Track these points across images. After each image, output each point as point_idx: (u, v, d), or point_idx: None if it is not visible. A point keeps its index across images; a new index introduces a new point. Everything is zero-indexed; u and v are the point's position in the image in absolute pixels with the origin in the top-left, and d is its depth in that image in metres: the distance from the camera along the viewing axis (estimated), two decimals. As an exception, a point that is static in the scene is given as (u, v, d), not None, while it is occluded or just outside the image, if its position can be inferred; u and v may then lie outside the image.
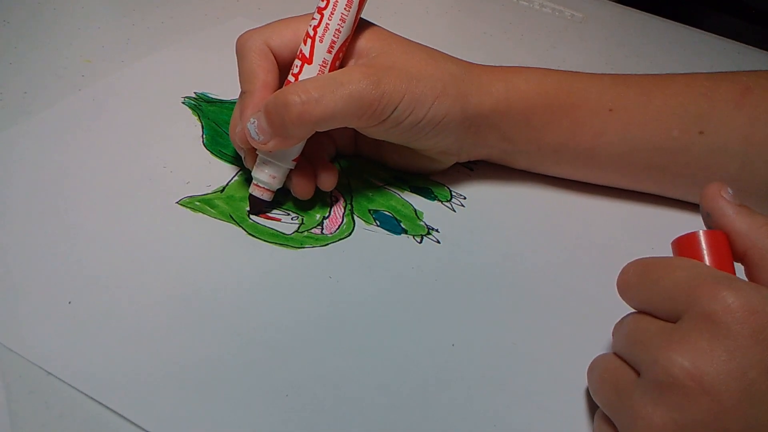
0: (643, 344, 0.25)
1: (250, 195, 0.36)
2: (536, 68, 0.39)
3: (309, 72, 0.34)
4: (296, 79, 0.35)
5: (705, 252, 0.27)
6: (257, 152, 0.36)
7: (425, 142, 0.37)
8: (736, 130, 0.38)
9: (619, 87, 0.39)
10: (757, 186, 0.38)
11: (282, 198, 0.38)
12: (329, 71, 0.35)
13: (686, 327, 0.24)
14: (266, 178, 0.36)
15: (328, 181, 0.37)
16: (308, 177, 0.37)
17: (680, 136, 0.38)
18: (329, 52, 0.34)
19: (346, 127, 0.37)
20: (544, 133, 0.39)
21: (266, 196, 0.36)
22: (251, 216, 0.37)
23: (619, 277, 0.28)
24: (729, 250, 0.27)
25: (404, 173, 0.41)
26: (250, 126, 0.34)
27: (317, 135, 0.36)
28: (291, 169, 0.36)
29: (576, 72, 0.40)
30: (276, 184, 0.36)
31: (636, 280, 0.27)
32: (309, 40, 0.34)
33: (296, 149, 0.36)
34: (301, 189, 0.37)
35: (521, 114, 0.38)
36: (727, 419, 0.22)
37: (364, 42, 0.36)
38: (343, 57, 0.35)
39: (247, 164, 0.37)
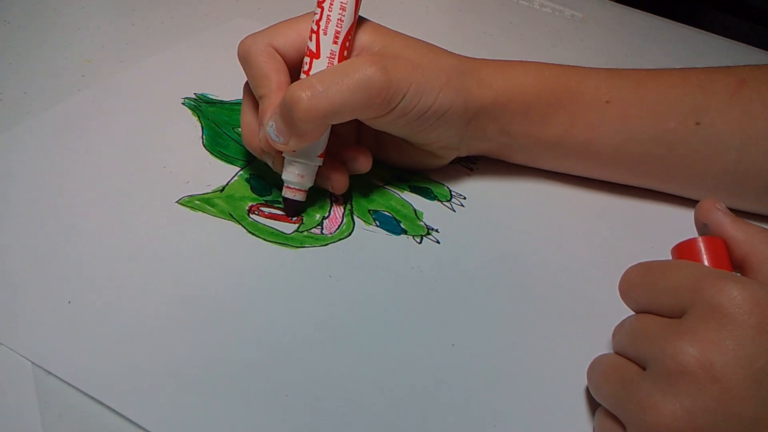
0: (649, 338, 0.25)
1: (284, 198, 0.36)
2: (534, 62, 0.40)
3: (318, 66, 0.35)
4: (307, 76, 0.35)
5: (705, 257, 0.27)
6: (283, 154, 0.36)
7: (429, 134, 0.37)
8: (733, 121, 0.38)
9: (616, 79, 0.39)
10: (755, 177, 0.39)
11: (281, 196, 0.38)
12: (338, 62, 0.35)
13: (693, 319, 0.24)
14: (296, 178, 0.36)
15: (365, 162, 0.38)
16: (340, 170, 0.37)
17: (677, 127, 0.38)
18: (335, 42, 0.34)
19: (349, 125, 0.37)
20: (543, 126, 0.39)
21: (299, 197, 0.36)
22: (251, 215, 0.37)
23: (621, 279, 0.29)
24: (727, 255, 0.27)
25: (404, 172, 0.41)
26: (270, 130, 0.34)
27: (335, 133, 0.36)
28: (321, 166, 0.36)
29: (573, 66, 0.40)
30: (307, 183, 0.36)
31: (639, 280, 0.28)
32: (314, 36, 0.34)
33: (320, 145, 0.36)
34: (338, 183, 0.37)
35: (520, 107, 0.38)
36: (736, 406, 0.23)
37: (365, 37, 0.36)
38: (351, 47, 0.35)
39: (276, 169, 0.37)
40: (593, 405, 0.29)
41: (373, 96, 0.33)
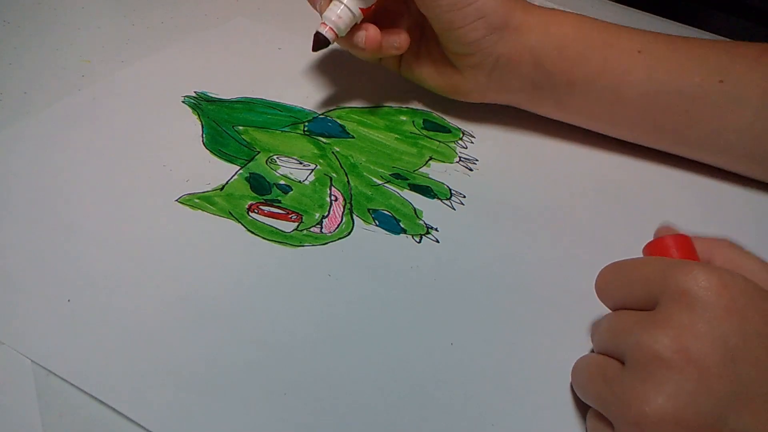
0: (625, 332, 0.26)
1: (316, 33, 0.40)
2: (574, 13, 0.42)
3: None
4: None
5: (674, 252, 0.28)
6: None
7: (465, 34, 0.40)
8: (754, 83, 0.40)
9: (649, 35, 0.42)
10: None
11: (282, 195, 0.38)
12: None
13: (664, 308, 0.25)
14: (334, 16, 0.40)
15: (400, 39, 0.42)
16: (376, 31, 0.41)
17: (701, 82, 0.40)
18: None
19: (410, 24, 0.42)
20: (576, 65, 0.41)
21: (329, 35, 0.40)
22: (250, 213, 0.37)
23: (596, 278, 0.30)
24: (695, 250, 0.28)
25: (404, 170, 0.41)
26: None
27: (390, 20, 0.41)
28: (357, 23, 0.40)
29: (610, 22, 0.43)
30: (341, 26, 0.40)
31: (612, 277, 0.29)
32: None
33: None
34: (371, 37, 0.41)
35: (557, 42, 0.41)
36: (715, 385, 0.23)
37: None
38: None
39: (321, 9, 0.41)
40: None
41: None
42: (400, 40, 0.42)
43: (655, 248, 0.29)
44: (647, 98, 0.41)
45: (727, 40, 0.42)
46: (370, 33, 0.41)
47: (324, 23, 0.40)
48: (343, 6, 0.39)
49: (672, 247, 0.28)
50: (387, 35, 0.41)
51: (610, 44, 0.41)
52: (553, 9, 0.42)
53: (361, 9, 0.40)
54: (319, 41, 0.40)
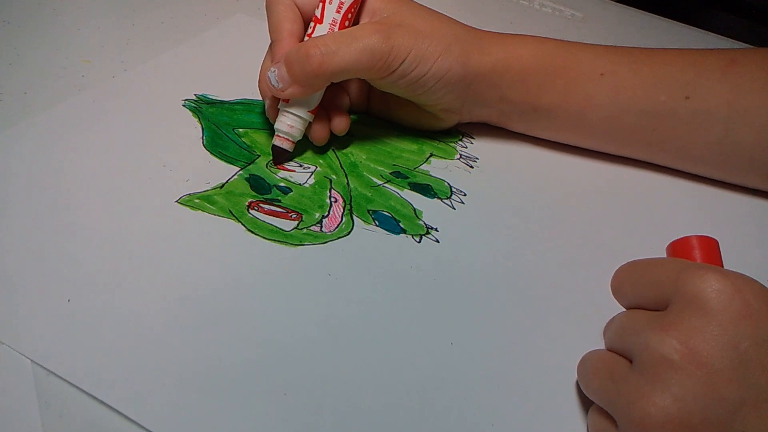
0: (636, 331, 0.26)
1: (273, 146, 0.40)
2: (535, 36, 0.42)
3: (320, 31, 0.39)
4: (309, 38, 0.39)
5: (697, 253, 0.28)
6: (279, 106, 0.39)
7: (429, 96, 0.40)
8: (721, 97, 0.39)
9: (612, 55, 0.41)
10: (740, 151, 0.40)
11: (282, 195, 0.38)
12: (339, 29, 0.38)
13: (676, 310, 0.25)
14: (286, 128, 0.39)
15: (340, 125, 0.41)
16: (324, 124, 0.41)
17: (667, 100, 0.40)
18: (338, 12, 0.38)
19: (360, 85, 0.42)
20: (539, 94, 0.41)
21: (287, 146, 0.40)
22: (250, 210, 0.37)
23: (612, 277, 0.29)
24: (720, 254, 0.28)
25: (404, 168, 0.41)
26: (271, 75, 0.38)
27: (334, 91, 0.40)
28: (309, 122, 0.40)
29: (572, 41, 0.42)
30: (296, 134, 0.39)
31: (626, 276, 0.28)
32: (320, 4, 0.39)
33: (314, 101, 0.39)
34: (317, 134, 0.40)
35: (518, 75, 0.40)
36: (723, 389, 0.23)
37: (376, 3, 0.39)
38: (353, 17, 0.39)
39: (268, 115, 0.41)
40: (591, 404, 0.29)
41: (376, 59, 0.37)
42: (335, 126, 0.41)
43: (678, 247, 0.29)
44: (613, 120, 0.41)
45: (695, 49, 0.42)
46: (314, 134, 0.40)
47: (278, 135, 0.39)
48: (292, 116, 0.39)
49: (695, 248, 0.28)
50: (332, 120, 0.41)
51: (571, 69, 0.41)
52: (511, 36, 0.41)
53: (310, 111, 0.39)
54: (280, 153, 0.40)
